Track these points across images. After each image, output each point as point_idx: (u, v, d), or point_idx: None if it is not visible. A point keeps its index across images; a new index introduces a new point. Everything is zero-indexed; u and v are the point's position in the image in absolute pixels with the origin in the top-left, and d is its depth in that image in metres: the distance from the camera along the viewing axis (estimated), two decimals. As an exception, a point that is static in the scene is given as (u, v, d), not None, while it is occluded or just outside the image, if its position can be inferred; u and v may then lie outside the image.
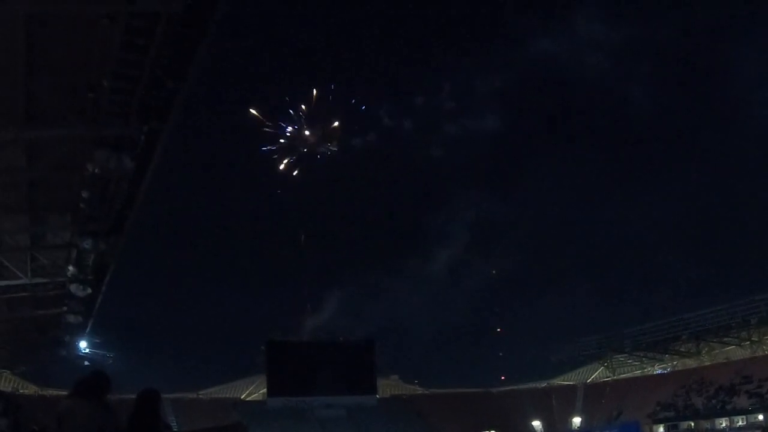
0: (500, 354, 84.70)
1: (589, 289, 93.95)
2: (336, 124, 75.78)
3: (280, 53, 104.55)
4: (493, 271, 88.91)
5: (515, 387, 77.39)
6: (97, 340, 45.22)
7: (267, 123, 73.80)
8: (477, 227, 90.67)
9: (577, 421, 70.10)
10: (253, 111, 74.08)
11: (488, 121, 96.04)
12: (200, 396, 72.33)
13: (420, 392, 79.18)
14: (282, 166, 75.72)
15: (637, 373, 72.85)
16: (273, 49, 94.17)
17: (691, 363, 66.85)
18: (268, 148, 74.81)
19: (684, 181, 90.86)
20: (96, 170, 15.78)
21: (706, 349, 65.64)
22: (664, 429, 60.98)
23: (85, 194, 17.74)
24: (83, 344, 41.22)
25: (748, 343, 61.45)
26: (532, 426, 71.35)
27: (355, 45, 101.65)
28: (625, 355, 71.66)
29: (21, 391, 60.14)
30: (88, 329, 36.50)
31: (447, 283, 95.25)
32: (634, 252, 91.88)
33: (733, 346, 63.57)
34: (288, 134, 74.49)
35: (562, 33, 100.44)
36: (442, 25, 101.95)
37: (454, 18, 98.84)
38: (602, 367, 74.75)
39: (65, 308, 28.58)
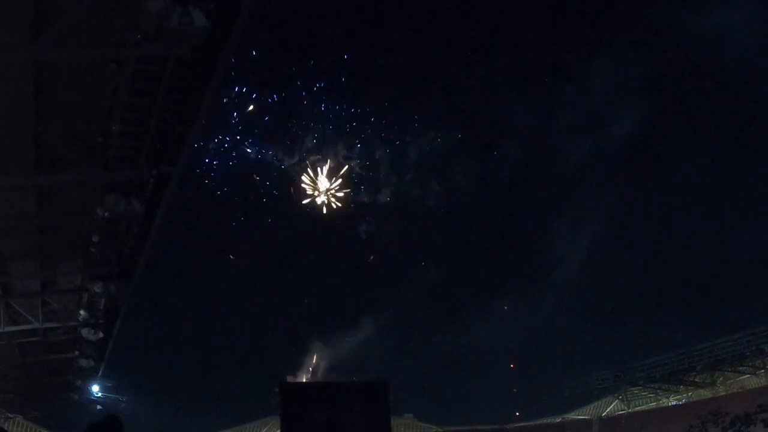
0: (514, 390, 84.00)
1: (607, 323, 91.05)
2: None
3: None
4: (505, 307, 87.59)
5: (530, 423, 76.62)
6: (110, 384, 45.35)
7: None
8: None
9: (593, 455, 69.46)
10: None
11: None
12: (213, 438, 71.87)
13: (434, 430, 78.49)
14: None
15: (652, 405, 72.05)
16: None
17: (706, 393, 66.12)
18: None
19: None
20: (106, 214, 15.86)
21: (720, 378, 65.01)
22: (681, 461, 60.33)
23: (95, 239, 17.84)
24: (96, 388, 41.28)
25: (762, 371, 60.87)
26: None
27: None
28: (640, 387, 71.00)
29: (34, 436, 59.94)
30: (100, 373, 36.45)
31: (468, 321, 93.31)
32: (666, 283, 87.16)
33: (748, 375, 62.97)
34: None
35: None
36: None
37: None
38: (617, 400, 74.04)
39: (77, 352, 28.53)
